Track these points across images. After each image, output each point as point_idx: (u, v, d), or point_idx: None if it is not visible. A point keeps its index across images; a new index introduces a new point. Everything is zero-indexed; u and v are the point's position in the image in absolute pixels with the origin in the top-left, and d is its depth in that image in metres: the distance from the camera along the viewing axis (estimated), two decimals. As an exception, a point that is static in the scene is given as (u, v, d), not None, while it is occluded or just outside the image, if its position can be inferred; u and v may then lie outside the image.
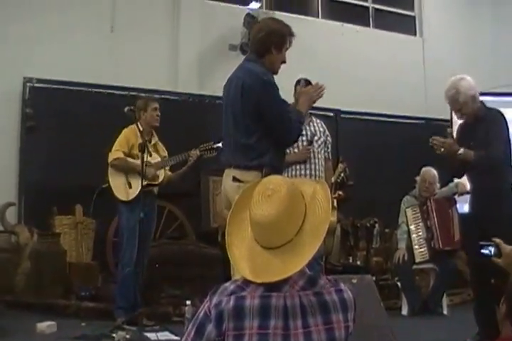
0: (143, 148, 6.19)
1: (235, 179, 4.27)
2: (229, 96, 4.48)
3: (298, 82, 6.09)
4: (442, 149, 5.21)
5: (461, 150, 5.12)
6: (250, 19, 9.55)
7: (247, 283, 2.27)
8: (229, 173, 4.37)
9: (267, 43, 4.42)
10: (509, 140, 5.24)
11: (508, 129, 5.30)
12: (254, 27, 4.74)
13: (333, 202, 5.72)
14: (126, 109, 6.43)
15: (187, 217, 8.51)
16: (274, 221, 2.25)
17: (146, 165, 6.23)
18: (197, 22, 9.69)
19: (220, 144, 6.56)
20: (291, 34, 4.51)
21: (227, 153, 4.54)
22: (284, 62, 4.53)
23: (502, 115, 5.32)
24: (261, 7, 10.24)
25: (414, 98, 10.88)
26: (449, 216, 7.18)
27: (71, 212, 7.91)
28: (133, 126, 6.66)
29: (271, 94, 4.32)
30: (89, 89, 8.48)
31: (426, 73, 11.39)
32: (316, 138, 6.26)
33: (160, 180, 6.61)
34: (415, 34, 11.93)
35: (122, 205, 6.47)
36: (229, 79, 4.58)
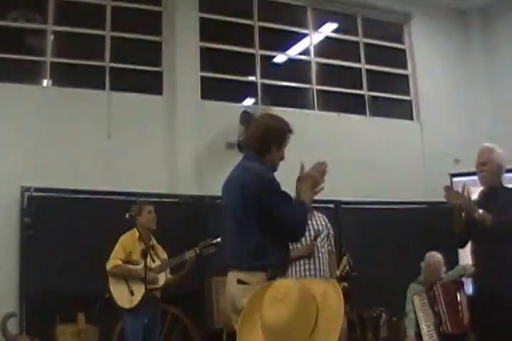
0: (145, 253, 6.43)
1: (239, 281, 4.19)
2: (229, 196, 4.42)
3: (299, 178, 6.15)
4: (459, 201, 5.36)
5: (481, 212, 5.28)
6: (246, 116, 9.81)
7: None
8: (233, 276, 4.28)
9: (266, 141, 4.44)
10: None
11: None
12: (253, 124, 4.73)
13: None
14: (127, 215, 6.66)
15: (190, 318, 8.55)
16: (284, 325, 2.31)
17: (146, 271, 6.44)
18: (193, 122, 10.03)
19: (218, 239, 6.83)
20: (290, 131, 4.53)
21: (229, 256, 4.43)
22: (282, 158, 4.54)
23: None
24: (256, 103, 10.61)
25: (414, 183, 11.10)
26: (457, 299, 7.19)
27: (74, 321, 7.99)
28: (130, 232, 6.95)
29: (272, 192, 4.28)
30: (88, 196, 8.70)
31: (425, 157, 11.68)
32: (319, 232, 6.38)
33: (161, 283, 6.86)
34: (412, 119, 12.26)
35: (126, 312, 6.72)
36: (228, 178, 4.55)
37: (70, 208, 8.52)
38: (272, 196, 4.27)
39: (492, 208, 5.40)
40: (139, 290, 6.62)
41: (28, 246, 8.36)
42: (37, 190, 8.52)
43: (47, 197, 8.57)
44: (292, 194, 4.54)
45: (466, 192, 5.50)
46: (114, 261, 6.81)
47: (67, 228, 8.37)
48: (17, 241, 8.45)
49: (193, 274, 7.22)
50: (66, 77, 9.75)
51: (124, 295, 6.71)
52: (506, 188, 5.69)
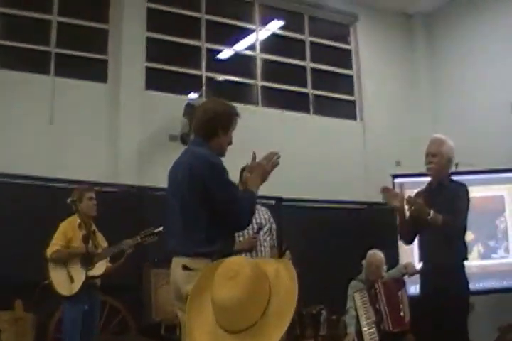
0: (87, 238, 6.39)
1: (185, 267, 4.12)
2: (176, 181, 4.39)
3: (243, 169, 5.93)
4: (413, 207, 5.32)
5: (432, 213, 5.22)
6: (190, 109, 9.73)
7: None
8: (178, 262, 4.21)
9: (213, 126, 4.40)
10: (466, 217, 5.43)
11: (468, 205, 5.48)
12: (198, 109, 4.67)
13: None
14: (68, 200, 6.59)
15: (128, 310, 8.41)
16: (237, 303, 2.24)
17: (87, 255, 6.44)
18: (136, 112, 10.00)
19: (160, 228, 6.76)
20: (236, 114, 4.53)
21: (174, 241, 4.33)
22: (230, 143, 4.51)
23: (467, 189, 5.52)
24: (200, 96, 10.51)
25: (355, 182, 11.22)
26: (398, 297, 7.25)
27: (11, 308, 7.82)
28: (70, 219, 6.85)
29: (219, 177, 4.25)
30: (28, 182, 8.52)
31: (367, 157, 11.81)
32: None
33: (101, 271, 6.73)
34: (355, 119, 12.40)
35: (65, 300, 6.58)
36: (175, 163, 4.51)
37: (8, 193, 8.27)
38: (216, 180, 4.25)
39: (439, 201, 5.41)
40: (79, 278, 6.51)
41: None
42: (-23, 174, 8.37)
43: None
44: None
45: (403, 194, 5.53)
46: (54, 246, 6.67)
47: (8, 214, 8.13)
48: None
49: (132, 265, 7.17)
50: (10, 60, 9.55)
51: (64, 283, 6.57)
52: (453, 181, 5.69)
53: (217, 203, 4.23)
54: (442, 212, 5.28)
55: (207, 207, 4.23)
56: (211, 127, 4.43)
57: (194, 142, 4.62)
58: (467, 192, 5.53)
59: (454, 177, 5.79)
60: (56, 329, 7.55)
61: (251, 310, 2.29)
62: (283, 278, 2.41)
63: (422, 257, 5.78)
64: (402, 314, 7.23)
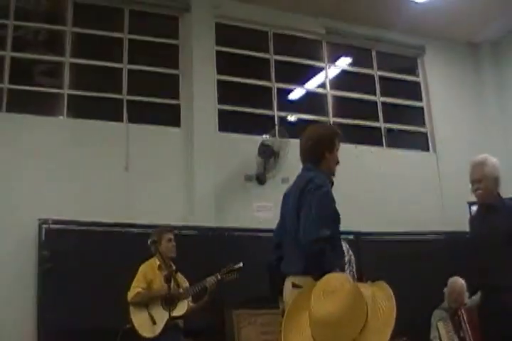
0: (169, 278, 6.21)
1: (294, 285, 4.30)
2: (288, 207, 4.62)
3: None
4: None
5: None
6: (265, 148, 9.83)
7: None
8: (288, 281, 4.42)
9: (318, 150, 4.66)
10: None
11: None
12: (302, 137, 4.88)
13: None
14: (149, 241, 6.58)
15: (212, 354, 8.20)
16: (337, 319, 2.19)
17: (169, 295, 6.28)
18: (210, 154, 9.85)
19: (240, 264, 6.67)
20: (337, 134, 4.85)
21: (286, 262, 4.58)
22: (338, 162, 4.79)
23: None
24: (273, 135, 10.34)
25: (432, 212, 10.91)
26: None
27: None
28: (150, 261, 6.74)
29: (316, 196, 4.35)
30: (106, 229, 8.47)
31: (442, 187, 11.51)
32: None
33: (183, 311, 6.59)
34: (428, 150, 12.09)
35: None
36: (288, 190, 4.78)
37: (88, 241, 8.28)
38: (314, 198, 4.32)
39: (496, 222, 5.19)
40: (161, 319, 6.39)
41: (46, 281, 8.07)
42: (55, 222, 8.26)
43: (65, 230, 8.33)
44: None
45: None
46: (135, 289, 6.60)
47: (86, 261, 8.11)
48: (35, 276, 8.17)
49: (213, 307, 7.02)
50: (84, 109, 9.58)
51: (146, 325, 6.45)
52: (503, 199, 5.42)
53: (301, 217, 4.35)
54: (503, 232, 5.06)
55: None
56: (317, 152, 4.67)
57: (305, 168, 4.77)
58: None
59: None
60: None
61: (350, 325, 2.21)
62: (380, 298, 2.38)
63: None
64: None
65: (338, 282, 2.31)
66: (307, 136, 4.80)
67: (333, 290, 2.26)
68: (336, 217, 4.53)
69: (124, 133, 9.46)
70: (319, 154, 4.67)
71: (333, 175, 4.75)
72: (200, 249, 8.58)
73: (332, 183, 4.74)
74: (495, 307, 5.14)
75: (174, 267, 6.79)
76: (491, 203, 5.36)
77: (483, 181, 5.32)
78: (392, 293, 2.41)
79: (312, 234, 4.28)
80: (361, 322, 2.24)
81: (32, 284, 8.14)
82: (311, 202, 4.36)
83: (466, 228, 9.32)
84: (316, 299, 2.27)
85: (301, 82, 11.59)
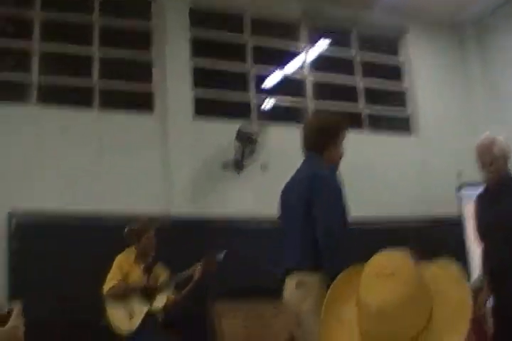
0: (149, 268, 5.91)
1: (298, 284, 3.98)
2: (290, 202, 4.33)
3: None
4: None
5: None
6: (242, 134, 9.39)
7: None
8: (291, 279, 4.05)
9: (322, 141, 4.36)
10: None
11: None
12: (304, 125, 4.63)
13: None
14: (126, 230, 6.25)
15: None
16: (398, 309, 1.71)
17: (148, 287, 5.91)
18: (186, 142, 9.51)
19: (224, 252, 6.34)
20: (344, 127, 4.52)
21: (288, 257, 4.24)
22: (342, 155, 4.46)
23: None
24: (251, 120, 10.04)
25: (416, 198, 10.54)
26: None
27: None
28: (126, 253, 6.34)
29: (324, 189, 4.10)
30: (79, 219, 8.16)
31: (426, 172, 11.12)
32: None
33: (162, 303, 6.16)
34: (411, 133, 11.70)
35: (126, 339, 5.98)
36: (288, 184, 4.47)
37: (60, 233, 7.92)
38: (322, 193, 4.08)
39: (507, 201, 4.89)
40: (140, 312, 5.98)
41: (16, 277, 7.74)
42: (25, 213, 7.95)
43: (36, 222, 7.99)
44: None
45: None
46: (111, 282, 6.13)
47: (57, 253, 7.77)
48: (5, 269, 7.82)
49: (194, 298, 6.66)
50: (53, 97, 9.20)
51: (123, 319, 6.00)
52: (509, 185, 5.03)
53: (314, 213, 4.07)
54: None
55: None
56: (321, 142, 4.37)
57: (306, 159, 4.48)
58: None
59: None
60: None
61: (417, 314, 1.73)
62: (445, 281, 1.85)
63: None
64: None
65: (397, 262, 1.81)
66: (312, 125, 4.53)
67: (392, 273, 1.76)
68: (346, 211, 4.23)
69: (95, 121, 9.10)
70: (323, 145, 4.36)
71: (337, 167, 4.43)
72: (178, 239, 8.22)
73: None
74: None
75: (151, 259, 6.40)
76: (503, 185, 5.01)
77: (494, 164, 4.98)
78: (462, 274, 1.87)
79: (330, 227, 4.01)
80: (428, 309, 1.76)
81: (2, 279, 7.77)
82: (324, 196, 4.10)
83: (452, 212, 9.16)
84: (368, 285, 1.78)
85: (279, 66, 11.14)
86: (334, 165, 4.40)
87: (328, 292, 2.02)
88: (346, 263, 2.07)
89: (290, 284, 4.04)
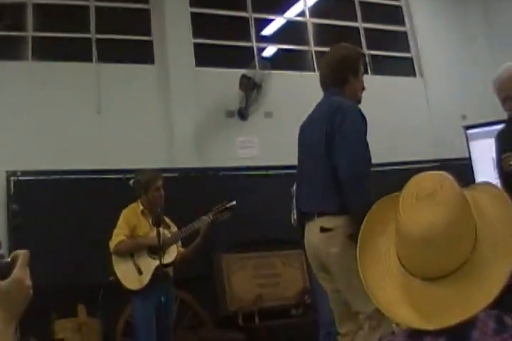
0: (158, 221, 5.56)
1: (323, 229, 3.75)
2: (312, 134, 4.03)
3: None
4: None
5: None
6: (246, 81, 9.20)
7: (416, 334, 1.59)
8: (313, 225, 3.83)
9: (342, 72, 4.09)
10: None
11: None
12: (322, 60, 4.44)
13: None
14: (132, 182, 5.96)
15: (201, 303, 7.74)
16: (444, 231, 1.55)
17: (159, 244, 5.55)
18: (188, 91, 9.27)
19: (233, 202, 6.12)
20: (362, 56, 4.35)
21: (306, 202, 4.02)
22: (363, 88, 4.21)
23: None
24: (254, 67, 9.73)
25: (422, 140, 10.39)
26: None
27: (74, 314, 7.16)
28: (132, 205, 6.07)
29: (349, 120, 3.83)
30: (80, 177, 7.91)
31: (432, 113, 10.95)
32: None
33: (173, 258, 5.85)
34: (415, 75, 11.49)
35: (135, 296, 5.71)
36: (309, 118, 4.21)
37: (61, 191, 7.68)
38: (347, 126, 3.80)
39: None
40: (149, 268, 5.66)
41: (16, 237, 7.50)
42: (24, 173, 7.72)
43: (35, 181, 7.77)
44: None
45: None
46: (117, 237, 5.76)
47: (60, 213, 7.53)
48: (5, 232, 7.61)
49: (201, 252, 6.48)
50: (49, 51, 8.91)
51: (132, 276, 5.68)
52: None
53: (339, 153, 3.79)
54: None
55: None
56: (340, 74, 4.10)
57: (327, 94, 4.16)
58: None
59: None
60: (124, 332, 6.84)
61: (460, 241, 1.58)
62: (487, 204, 1.68)
63: None
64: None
65: (435, 182, 1.63)
66: (329, 58, 4.25)
67: (432, 193, 1.59)
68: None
69: (94, 73, 8.82)
70: (343, 77, 4.08)
71: (359, 102, 4.14)
72: (184, 192, 7.98)
73: None
74: None
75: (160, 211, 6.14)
76: None
77: None
78: (504, 194, 1.66)
79: (359, 167, 3.77)
80: (472, 236, 1.60)
81: (2, 240, 7.44)
82: (349, 129, 3.82)
83: (460, 154, 8.95)
84: (407, 209, 1.61)
85: (280, 12, 10.87)
86: (357, 99, 4.14)
87: (363, 225, 1.85)
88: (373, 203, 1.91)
89: (313, 229, 3.82)
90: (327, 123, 3.85)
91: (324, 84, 4.21)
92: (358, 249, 1.82)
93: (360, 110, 3.90)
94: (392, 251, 1.70)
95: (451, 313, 1.55)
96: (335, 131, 3.78)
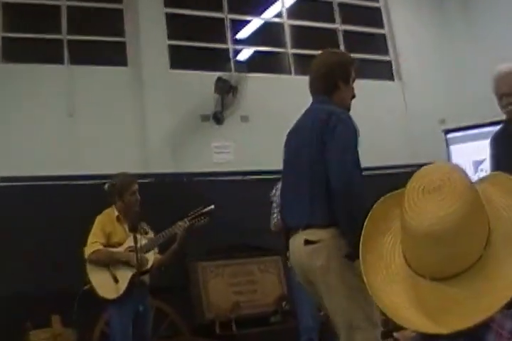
0: (135, 226, 5.36)
1: (307, 242, 3.61)
2: (301, 142, 3.87)
3: None
4: None
5: None
6: (222, 83, 9.10)
7: (429, 338, 1.48)
8: (298, 237, 3.69)
9: (332, 79, 3.96)
10: None
11: None
12: (312, 64, 4.23)
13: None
14: (107, 186, 5.80)
15: (178, 311, 7.53)
16: (454, 227, 1.44)
17: (131, 250, 5.41)
18: (163, 94, 9.17)
19: (211, 207, 5.95)
20: (353, 63, 4.13)
21: (291, 213, 3.86)
22: (353, 96, 4.06)
23: None
24: (230, 70, 9.66)
25: (400, 144, 10.36)
26: None
27: (48, 324, 6.94)
28: (107, 211, 5.90)
29: (341, 127, 3.67)
30: (52, 183, 7.70)
31: (409, 118, 10.89)
32: None
33: (149, 265, 5.68)
34: (393, 79, 11.41)
35: (112, 305, 5.57)
36: (295, 127, 4.05)
37: (33, 198, 7.47)
38: (339, 133, 3.66)
39: None
40: (125, 276, 5.49)
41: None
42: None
43: (3, 188, 7.54)
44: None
45: None
46: (93, 246, 5.60)
47: (33, 219, 7.30)
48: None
49: (174, 261, 6.31)
50: (19, 52, 8.76)
51: (107, 284, 5.53)
52: None
53: (323, 162, 3.65)
54: None
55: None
56: (330, 80, 3.96)
57: (316, 101, 4.04)
58: None
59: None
60: (101, 341, 6.58)
61: (473, 237, 1.46)
62: (499, 196, 1.56)
63: None
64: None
65: (442, 173, 1.52)
66: (319, 63, 4.08)
67: (439, 186, 1.48)
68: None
69: (66, 76, 8.67)
70: (332, 84, 3.94)
71: (349, 110, 3.99)
72: (159, 197, 7.76)
73: None
74: None
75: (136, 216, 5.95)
76: None
77: None
78: None
79: (351, 175, 3.60)
80: (486, 230, 1.48)
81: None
82: (341, 136, 3.67)
83: (438, 158, 8.84)
84: (413, 204, 1.50)
85: (257, 13, 10.74)
86: (346, 107, 3.98)
87: (364, 227, 1.75)
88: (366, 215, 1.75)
89: (297, 242, 3.70)
90: (317, 131, 3.71)
91: (313, 88, 4.09)
92: (360, 249, 1.71)
93: (351, 118, 3.77)
94: (398, 250, 1.61)
95: (465, 315, 1.44)
96: (326, 139, 3.65)
